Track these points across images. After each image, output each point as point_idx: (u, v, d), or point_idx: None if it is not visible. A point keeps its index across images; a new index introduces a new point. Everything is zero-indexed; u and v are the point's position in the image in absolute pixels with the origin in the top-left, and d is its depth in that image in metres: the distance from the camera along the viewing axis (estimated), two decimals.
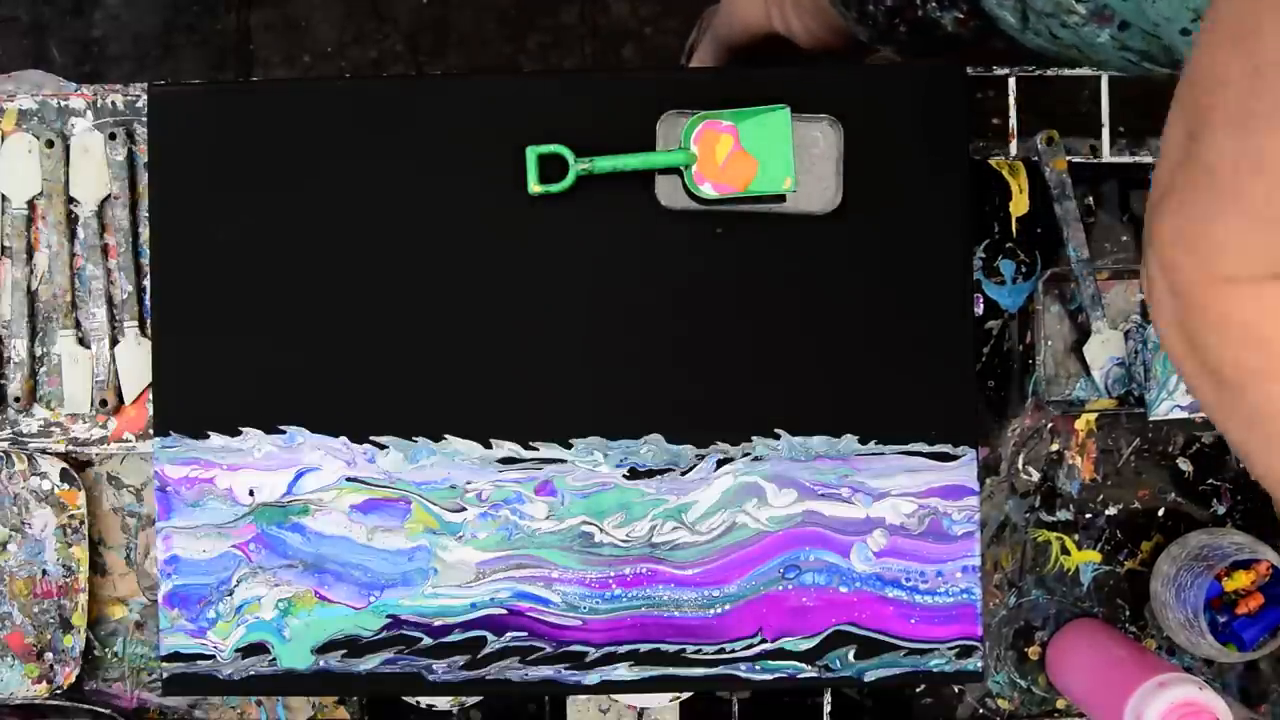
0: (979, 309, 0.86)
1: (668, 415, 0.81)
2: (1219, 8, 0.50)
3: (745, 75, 0.93)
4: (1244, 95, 0.49)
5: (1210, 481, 0.86)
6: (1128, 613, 0.87)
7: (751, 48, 0.99)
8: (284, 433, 0.81)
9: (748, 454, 0.81)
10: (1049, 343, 0.85)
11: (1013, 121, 0.86)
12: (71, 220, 0.85)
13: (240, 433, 0.81)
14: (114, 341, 0.85)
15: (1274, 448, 0.55)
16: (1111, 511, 0.86)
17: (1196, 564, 0.80)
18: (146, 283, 0.84)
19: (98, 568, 0.85)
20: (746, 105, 0.79)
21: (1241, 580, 0.80)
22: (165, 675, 0.81)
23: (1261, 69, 0.48)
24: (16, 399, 0.84)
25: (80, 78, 1.54)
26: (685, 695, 0.84)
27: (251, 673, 0.81)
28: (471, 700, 0.87)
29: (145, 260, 0.84)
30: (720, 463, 0.81)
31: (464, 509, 0.81)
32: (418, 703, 0.86)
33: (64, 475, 0.83)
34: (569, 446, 0.81)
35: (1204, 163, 0.52)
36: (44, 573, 0.83)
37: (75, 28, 1.59)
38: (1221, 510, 0.86)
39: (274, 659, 0.81)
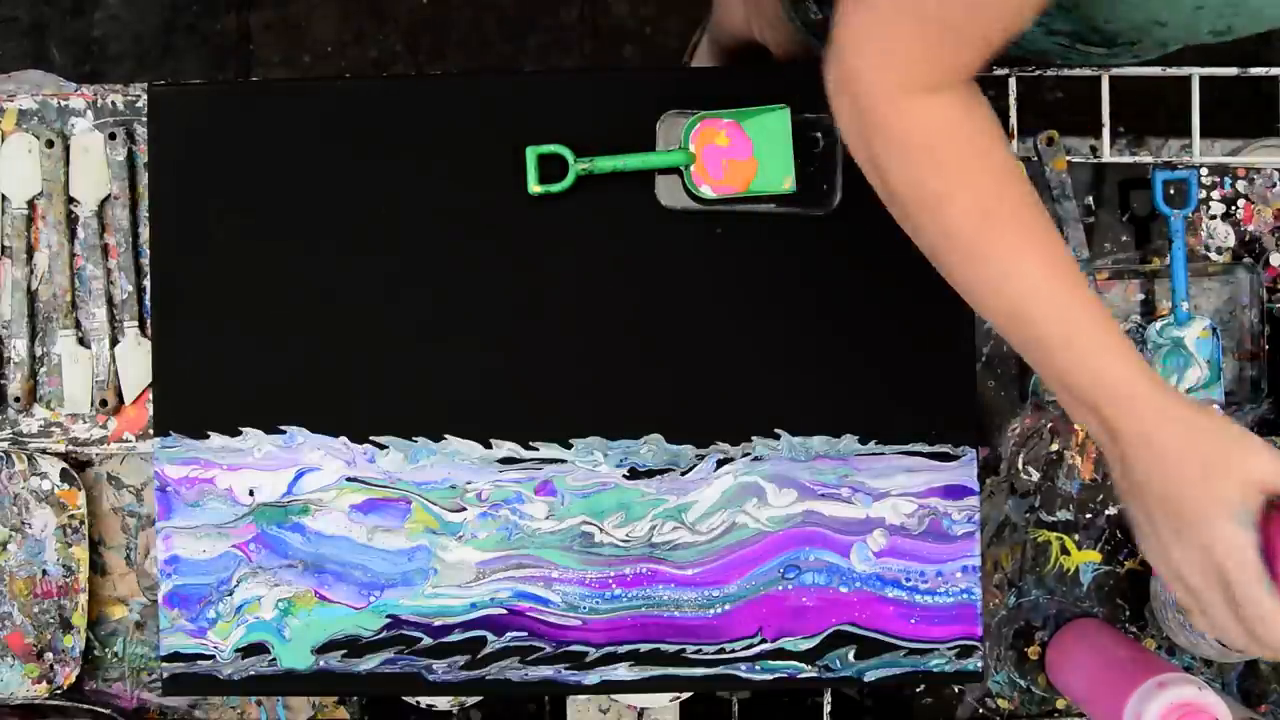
0: None
1: (668, 415, 0.81)
2: None
3: (745, 75, 0.93)
4: None
5: None
6: (1128, 613, 0.86)
7: (741, 52, 1.02)
8: (284, 433, 0.81)
9: (748, 454, 0.81)
10: None
11: (1013, 121, 0.86)
12: (71, 220, 0.85)
13: (240, 433, 0.81)
14: (114, 341, 0.85)
15: (964, 263, 0.61)
16: (1111, 511, 0.86)
17: None
18: (146, 283, 0.84)
19: (98, 568, 0.85)
20: (746, 105, 0.79)
21: None
22: (165, 675, 0.81)
23: None
24: (16, 399, 0.84)
25: (80, 78, 1.54)
26: (685, 695, 0.84)
27: (251, 673, 0.81)
28: (471, 700, 0.87)
29: (145, 260, 0.84)
30: (720, 463, 0.81)
31: (464, 509, 0.81)
32: (418, 703, 0.85)
33: (64, 475, 0.83)
34: (569, 446, 0.81)
35: None
36: (44, 573, 0.83)
37: (75, 28, 1.59)
38: None
39: (274, 659, 0.81)
